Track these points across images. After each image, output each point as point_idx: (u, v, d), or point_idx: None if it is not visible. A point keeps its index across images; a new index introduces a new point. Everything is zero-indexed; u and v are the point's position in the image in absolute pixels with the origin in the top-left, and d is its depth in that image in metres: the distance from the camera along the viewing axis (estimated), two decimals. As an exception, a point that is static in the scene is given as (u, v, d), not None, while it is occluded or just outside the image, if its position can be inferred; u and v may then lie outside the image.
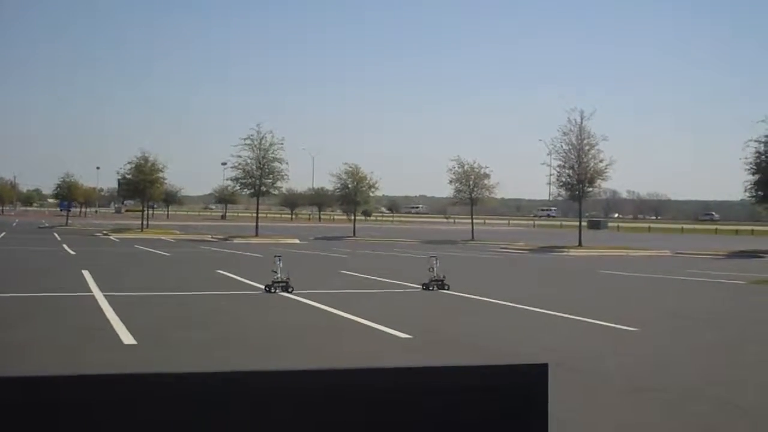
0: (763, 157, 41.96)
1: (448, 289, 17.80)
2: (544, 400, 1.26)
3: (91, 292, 16.33)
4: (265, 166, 50.89)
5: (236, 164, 51.39)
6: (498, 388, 1.25)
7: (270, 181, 51.69)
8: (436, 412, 1.22)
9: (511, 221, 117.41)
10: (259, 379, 1.19)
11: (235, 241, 47.57)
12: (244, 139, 50.68)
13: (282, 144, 51.33)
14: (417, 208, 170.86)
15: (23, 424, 1.10)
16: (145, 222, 59.04)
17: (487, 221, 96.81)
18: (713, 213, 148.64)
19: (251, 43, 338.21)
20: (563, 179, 46.88)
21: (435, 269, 18.23)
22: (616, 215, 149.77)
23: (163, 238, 49.39)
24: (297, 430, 1.18)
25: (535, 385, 1.26)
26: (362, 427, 1.20)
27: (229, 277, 21.16)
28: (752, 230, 73.48)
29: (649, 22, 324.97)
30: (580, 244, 45.53)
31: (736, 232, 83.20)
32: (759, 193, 42.64)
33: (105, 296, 15.32)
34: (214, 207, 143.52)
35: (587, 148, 45.81)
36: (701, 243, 53.55)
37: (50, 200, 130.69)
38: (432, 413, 1.22)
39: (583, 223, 51.99)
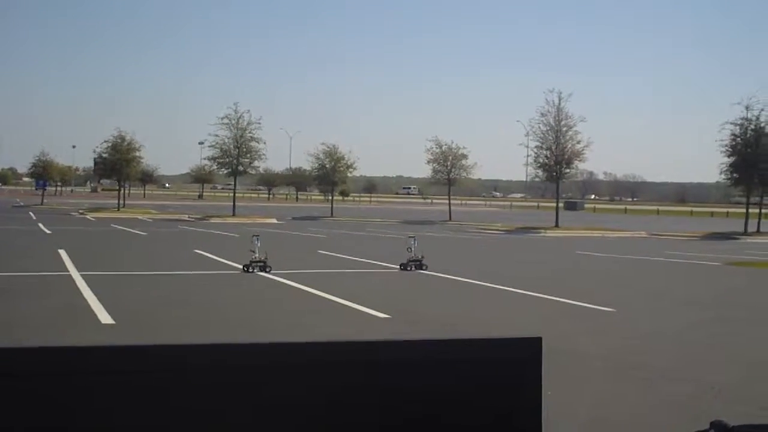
0: (739, 139, 42.35)
1: (426, 270, 17.83)
2: (538, 374, 1.27)
3: (68, 271, 16.22)
4: (243, 146, 50.65)
5: (213, 143, 51.14)
6: (492, 361, 1.26)
7: (247, 160, 51.48)
8: (429, 384, 1.23)
9: (488, 202, 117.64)
10: (238, 351, 1.18)
11: (212, 220, 47.33)
12: (222, 118, 50.29)
13: (260, 123, 51.10)
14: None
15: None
16: (121, 201, 58.52)
17: (464, 202, 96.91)
18: (411, 187, 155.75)
19: (231, 24, 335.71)
20: (541, 160, 46.97)
21: (413, 249, 18.26)
22: (593, 197, 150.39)
23: (139, 217, 49.04)
24: (284, 402, 1.17)
25: (529, 359, 1.27)
26: (363, 398, 1.20)
27: (206, 256, 21.09)
28: (727, 212, 74.09)
29: (626, 2, 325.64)
30: (557, 225, 45.66)
31: (711, 214, 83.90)
32: (734, 175, 43.07)
33: (82, 275, 15.22)
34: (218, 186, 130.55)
35: (565, 129, 45.90)
36: (677, 225, 53.97)
37: (25, 179, 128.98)
38: (425, 385, 1.22)
39: (560, 205, 52.16)
